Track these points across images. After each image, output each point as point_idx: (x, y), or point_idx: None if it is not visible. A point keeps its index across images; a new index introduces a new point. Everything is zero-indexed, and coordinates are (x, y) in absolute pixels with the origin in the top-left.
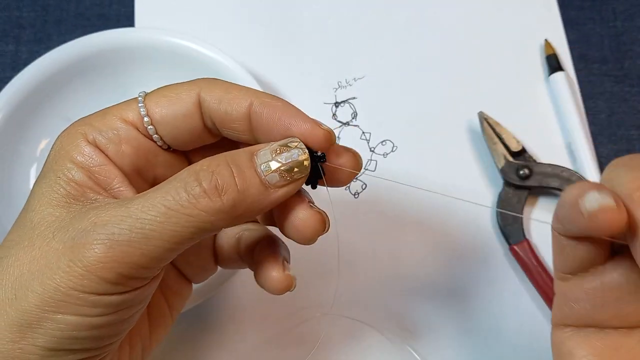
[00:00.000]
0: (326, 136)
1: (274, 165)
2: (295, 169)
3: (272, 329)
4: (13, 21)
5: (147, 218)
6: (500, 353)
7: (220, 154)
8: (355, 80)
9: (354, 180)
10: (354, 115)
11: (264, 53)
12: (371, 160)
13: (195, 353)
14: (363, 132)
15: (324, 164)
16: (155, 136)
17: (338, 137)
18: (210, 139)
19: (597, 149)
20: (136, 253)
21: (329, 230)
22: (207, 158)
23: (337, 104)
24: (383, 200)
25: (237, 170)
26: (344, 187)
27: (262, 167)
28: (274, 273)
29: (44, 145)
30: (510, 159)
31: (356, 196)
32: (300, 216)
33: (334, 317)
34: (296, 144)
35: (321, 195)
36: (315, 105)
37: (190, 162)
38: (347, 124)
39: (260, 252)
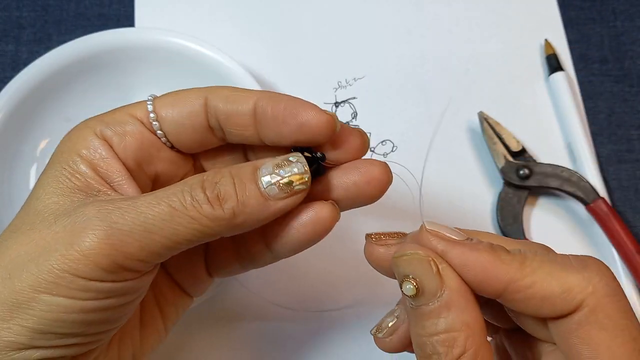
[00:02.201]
0: (329, 121)
1: (275, 178)
2: (295, 183)
3: (273, 329)
4: (13, 21)
5: (152, 214)
6: None
7: (227, 167)
8: (355, 80)
9: None
10: (354, 115)
11: (264, 53)
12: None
13: (195, 353)
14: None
15: (330, 167)
16: (159, 132)
17: None
18: (213, 142)
19: (597, 149)
20: (135, 244)
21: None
22: (214, 170)
23: (337, 104)
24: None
25: (238, 182)
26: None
27: (263, 179)
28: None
29: (44, 145)
30: (510, 159)
31: None
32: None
33: (337, 313)
34: (297, 158)
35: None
36: None
37: (194, 164)
38: (347, 124)
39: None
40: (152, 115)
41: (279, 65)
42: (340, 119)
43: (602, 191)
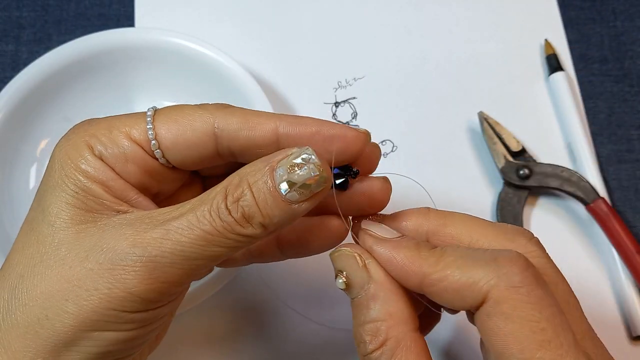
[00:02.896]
0: (366, 139)
1: (291, 184)
2: (312, 184)
3: (273, 329)
4: (13, 21)
5: (188, 241)
6: None
7: (243, 174)
8: (355, 80)
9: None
10: (354, 115)
11: (264, 53)
12: None
13: (195, 353)
14: None
15: (353, 178)
16: (162, 159)
17: None
18: (219, 162)
19: (597, 149)
20: (178, 273)
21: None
22: (233, 183)
23: (337, 104)
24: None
25: (258, 195)
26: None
27: (281, 187)
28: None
29: (44, 145)
30: (510, 159)
31: None
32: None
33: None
34: (310, 157)
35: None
36: (315, 105)
37: (201, 177)
38: (347, 124)
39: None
40: (153, 142)
41: (279, 65)
42: (340, 119)
43: (602, 191)
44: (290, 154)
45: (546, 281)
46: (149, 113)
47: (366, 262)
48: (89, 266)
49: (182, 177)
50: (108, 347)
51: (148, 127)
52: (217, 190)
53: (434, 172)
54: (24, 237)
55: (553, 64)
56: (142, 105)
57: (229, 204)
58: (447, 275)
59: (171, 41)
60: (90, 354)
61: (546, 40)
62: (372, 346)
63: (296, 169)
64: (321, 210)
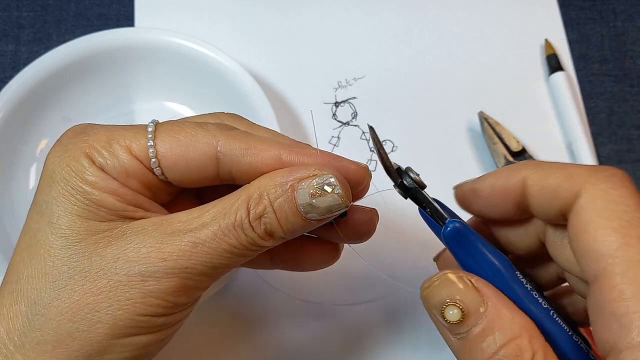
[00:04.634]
0: (366, 174)
1: (314, 208)
2: (334, 210)
3: (273, 328)
4: (13, 21)
5: (215, 254)
6: None
7: (263, 188)
8: (355, 80)
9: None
10: (354, 115)
11: (264, 53)
12: (371, 160)
13: (195, 353)
14: (363, 132)
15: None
16: (161, 176)
17: (338, 137)
18: (218, 183)
19: (597, 149)
20: (207, 280)
21: None
22: (254, 193)
23: (337, 104)
24: (382, 202)
25: (280, 214)
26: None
27: (302, 208)
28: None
29: (44, 145)
30: (511, 158)
31: None
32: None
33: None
34: (334, 187)
35: None
36: (315, 105)
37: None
38: (347, 124)
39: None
40: (153, 160)
41: (279, 65)
42: (340, 118)
43: None
44: (312, 176)
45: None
46: (149, 129)
47: (472, 280)
48: (117, 278)
49: (178, 190)
50: (138, 351)
51: (149, 144)
52: (239, 203)
53: (434, 172)
54: (29, 249)
55: (553, 64)
56: (142, 105)
57: (252, 219)
58: (546, 172)
59: (171, 41)
60: (125, 358)
61: (546, 40)
62: None
63: (319, 195)
64: (313, 233)
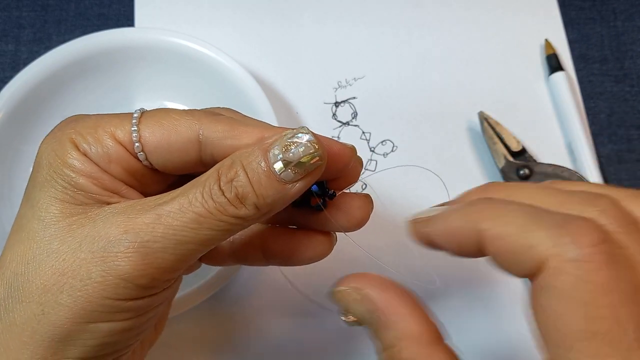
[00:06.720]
0: (353, 154)
1: (286, 163)
2: (308, 162)
3: (273, 328)
4: (13, 21)
5: (179, 225)
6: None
7: (236, 156)
8: (355, 80)
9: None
10: (354, 115)
11: (264, 53)
12: (371, 160)
13: (195, 353)
14: (363, 132)
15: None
16: (145, 161)
17: (338, 137)
18: (202, 169)
19: (597, 149)
20: (170, 258)
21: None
22: (227, 164)
23: (337, 104)
24: (383, 200)
25: (253, 175)
26: (345, 188)
27: (275, 166)
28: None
29: None
30: (511, 158)
31: None
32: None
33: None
34: (305, 136)
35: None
36: (315, 105)
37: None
38: (347, 124)
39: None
40: (137, 145)
41: (279, 65)
42: (340, 119)
43: None
44: (284, 134)
45: (627, 262)
46: (135, 115)
47: (364, 292)
48: (82, 256)
49: (166, 179)
50: (105, 339)
51: (133, 128)
52: (209, 173)
53: (434, 172)
54: (14, 235)
55: (553, 64)
56: (142, 105)
57: (222, 184)
58: (504, 233)
59: (171, 41)
60: (87, 347)
61: (546, 40)
62: None
63: (291, 147)
64: (305, 224)
